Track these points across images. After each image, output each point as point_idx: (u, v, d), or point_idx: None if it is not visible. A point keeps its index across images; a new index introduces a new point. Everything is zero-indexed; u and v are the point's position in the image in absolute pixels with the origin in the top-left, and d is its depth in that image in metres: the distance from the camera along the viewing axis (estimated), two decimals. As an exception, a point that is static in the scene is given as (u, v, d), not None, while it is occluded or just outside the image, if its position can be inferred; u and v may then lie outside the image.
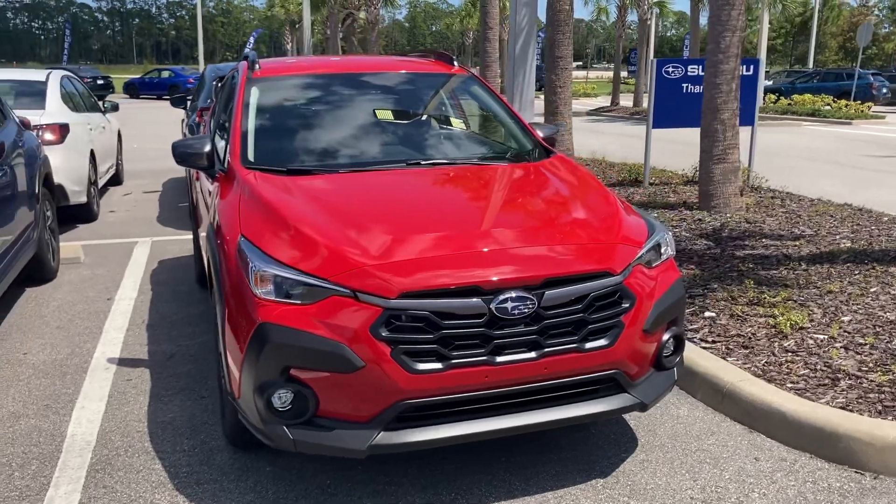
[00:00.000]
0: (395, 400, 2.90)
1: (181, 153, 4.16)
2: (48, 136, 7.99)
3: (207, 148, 4.13)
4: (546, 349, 3.02)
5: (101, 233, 8.53)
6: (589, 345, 3.08)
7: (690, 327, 4.81)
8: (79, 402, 4.20)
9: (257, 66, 4.74)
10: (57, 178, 7.85)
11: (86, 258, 7.29)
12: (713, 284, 5.57)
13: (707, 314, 5.03)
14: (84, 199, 8.60)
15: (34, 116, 8.08)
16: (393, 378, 2.86)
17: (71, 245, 7.43)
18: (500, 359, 2.97)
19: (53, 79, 9.03)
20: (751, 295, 5.28)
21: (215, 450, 3.66)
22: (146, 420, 3.98)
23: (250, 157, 4.01)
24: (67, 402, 4.21)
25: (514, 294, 2.95)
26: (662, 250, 3.50)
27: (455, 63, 5.10)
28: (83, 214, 8.90)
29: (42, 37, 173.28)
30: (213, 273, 3.48)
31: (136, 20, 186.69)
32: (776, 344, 4.49)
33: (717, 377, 4.15)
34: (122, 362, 4.76)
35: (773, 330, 4.68)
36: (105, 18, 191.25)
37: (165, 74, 41.43)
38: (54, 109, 8.48)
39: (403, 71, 4.99)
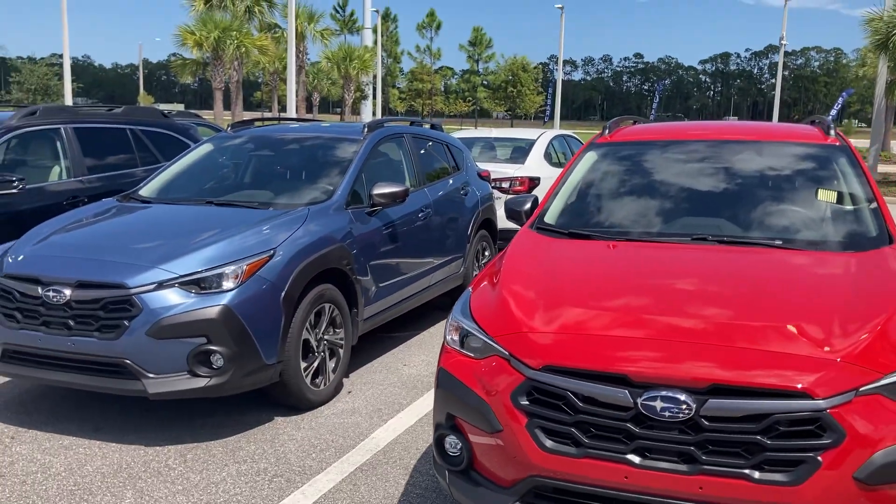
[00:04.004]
0: (528, 473, 2.83)
1: (508, 209, 4.54)
2: (518, 186, 9.13)
3: (527, 206, 4.42)
4: (703, 465, 2.60)
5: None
6: (761, 475, 2.54)
7: None
8: (400, 413, 4.89)
9: (607, 131, 4.85)
10: (516, 224, 8.96)
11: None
12: None
13: None
14: (545, 244, 9.53)
15: (513, 169, 9.35)
16: (525, 450, 2.81)
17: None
18: (641, 461, 2.66)
19: (542, 139, 10.25)
20: None
21: (453, 482, 3.95)
22: (429, 440, 4.46)
23: (548, 218, 4.19)
24: (394, 411, 4.94)
25: (666, 393, 2.62)
26: (943, 387, 2.63)
27: (831, 132, 4.45)
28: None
29: (648, 97, 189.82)
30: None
31: (738, 80, 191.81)
32: None
33: None
34: (461, 389, 5.32)
35: None
36: (707, 80, 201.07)
37: None
38: (531, 164, 9.64)
39: (763, 140, 4.54)
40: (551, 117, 55.96)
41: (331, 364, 5.10)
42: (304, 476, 4.02)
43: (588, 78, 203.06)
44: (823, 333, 2.74)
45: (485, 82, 77.60)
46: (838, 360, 2.63)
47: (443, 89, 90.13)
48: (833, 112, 57.41)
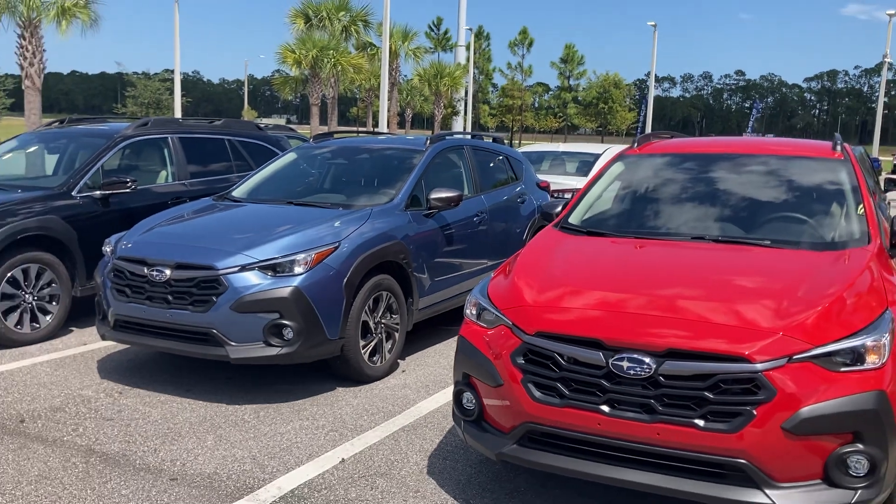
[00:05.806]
0: (522, 420, 3.46)
1: (543, 212, 5.18)
2: (577, 197, 9.68)
3: (557, 209, 5.04)
4: (660, 415, 3.17)
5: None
6: (705, 424, 3.10)
7: None
8: (445, 389, 5.55)
9: (636, 144, 5.42)
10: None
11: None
12: None
13: None
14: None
15: (576, 181, 9.92)
16: (520, 400, 3.44)
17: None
18: (610, 410, 3.25)
19: (607, 153, 10.80)
20: None
21: (479, 443, 4.58)
22: (466, 412, 5.10)
23: (571, 219, 4.79)
24: (440, 387, 5.61)
25: (632, 355, 3.20)
26: (869, 359, 3.12)
27: (838, 147, 4.89)
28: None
29: (749, 115, 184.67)
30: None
31: (846, 99, 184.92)
32: None
33: None
34: (502, 374, 5.95)
35: None
36: (812, 98, 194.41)
37: None
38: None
39: (774, 154, 5.01)
40: (642, 133, 55.75)
41: (387, 345, 5.82)
42: (354, 432, 4.75)
43: (686, 95, 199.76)
44: (770, 311, 3.28)
45: (577, 99, 77.89)
46: (780, 333, 3.16)
47: (534, 105, 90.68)
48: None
